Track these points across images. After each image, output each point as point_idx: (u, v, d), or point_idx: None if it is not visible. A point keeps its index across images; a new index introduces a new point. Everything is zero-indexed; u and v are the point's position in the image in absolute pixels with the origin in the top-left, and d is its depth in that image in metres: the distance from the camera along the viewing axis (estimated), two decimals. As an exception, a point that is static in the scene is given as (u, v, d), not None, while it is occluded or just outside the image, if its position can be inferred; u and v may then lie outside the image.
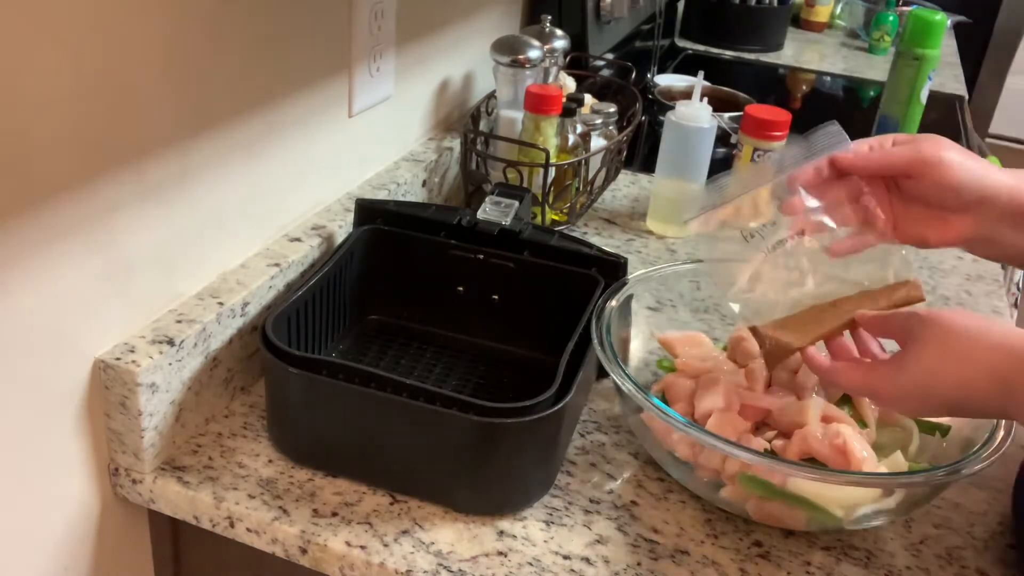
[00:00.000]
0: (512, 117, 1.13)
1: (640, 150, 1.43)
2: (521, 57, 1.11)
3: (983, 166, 0.67)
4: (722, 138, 1.30)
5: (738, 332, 0.82)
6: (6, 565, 0.65)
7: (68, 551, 0.70)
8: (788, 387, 0.76)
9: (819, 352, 0.69)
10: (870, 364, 0.67)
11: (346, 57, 0.91)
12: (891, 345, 0.67)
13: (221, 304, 0.75)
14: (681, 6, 2.11)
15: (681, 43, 2.10)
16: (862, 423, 0.75)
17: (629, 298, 0.82)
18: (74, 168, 0.61)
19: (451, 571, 0.65)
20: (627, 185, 1.28)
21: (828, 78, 2.01)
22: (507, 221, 0.86)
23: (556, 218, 1.12)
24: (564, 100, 1.06)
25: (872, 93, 1.92)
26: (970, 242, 0.70)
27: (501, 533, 0.68)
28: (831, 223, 0.69)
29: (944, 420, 0.76)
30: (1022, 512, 0.71)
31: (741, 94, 1.53)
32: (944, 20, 1.30)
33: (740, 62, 2.05)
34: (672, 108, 1.11)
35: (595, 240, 1.06)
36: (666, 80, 1.69)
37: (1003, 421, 0.69)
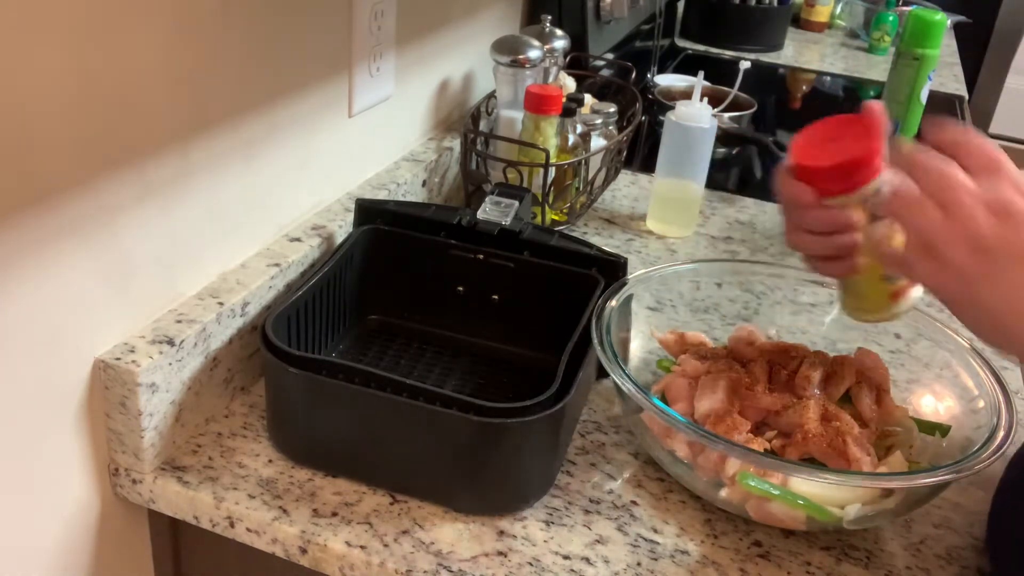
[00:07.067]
0: (512, 117, 1.12)
1: (640, 150, 1.43)
2: (521, 57, 1.11)
3: None
4: (722, 138, 1.30)
5: (738, 332, 0.82)
6: (6, 566, 0.65)
7: (68, 551, 0.70)
8: (788, 387, 0.76)
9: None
10: None
11: (346, 57, 0.91)
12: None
13: (221, 304, 0.75)
14: (681, 6, 2.11)
15: (681, 43, 2.10)
16: (862, 423, 0.75)
17: (629, 298, 0.82)
18: (74, 168, 0.61)
19: (451, 571, 0.65)
20: (627, 185, 1.28)
21: (828, 78, 2.01)
22: (507, 221, 0.86)
23: (556, 218, 1.12)
24: (564, 100, 1.06)
25: (872, 93, 1.92)
26: None
27: (501, 533, 0.68)
28: None
29: (945, 419, 0.76)
30: (1000, 511, 0.70)
31: (741, 94, 1.52)
32: (944, 20, 1.30)
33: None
34: (672, 108, 1.11)
35: (595, 240, 1.06)
36: (666, 80, 1.69)
37: (1004, 421, 0.69)
